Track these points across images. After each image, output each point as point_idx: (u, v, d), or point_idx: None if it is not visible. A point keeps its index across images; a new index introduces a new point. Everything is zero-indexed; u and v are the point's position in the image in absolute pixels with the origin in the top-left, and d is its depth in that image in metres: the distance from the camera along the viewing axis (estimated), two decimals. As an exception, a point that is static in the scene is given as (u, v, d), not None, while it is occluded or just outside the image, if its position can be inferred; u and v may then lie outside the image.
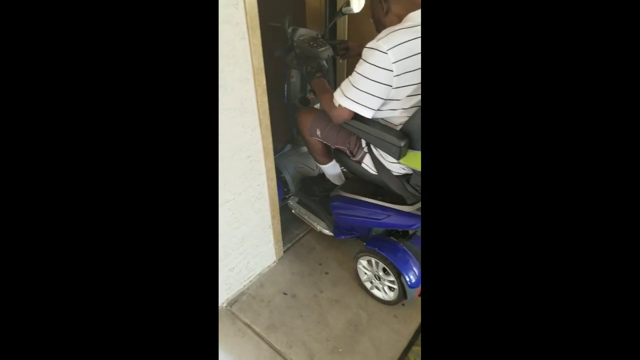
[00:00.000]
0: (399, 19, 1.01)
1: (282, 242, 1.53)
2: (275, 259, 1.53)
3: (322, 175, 1.54)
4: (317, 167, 1.54)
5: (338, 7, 1.34)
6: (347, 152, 1.24)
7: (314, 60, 1.28)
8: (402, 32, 0.94)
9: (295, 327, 1.27)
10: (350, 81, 1.00)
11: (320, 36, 1.35)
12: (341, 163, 1.34)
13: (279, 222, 1.46)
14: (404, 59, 0.93)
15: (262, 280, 1.45)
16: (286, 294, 1.39)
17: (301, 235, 1.66)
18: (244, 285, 1.42)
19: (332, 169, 1.43)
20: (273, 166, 1.30)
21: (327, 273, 1.47)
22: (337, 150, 1.29)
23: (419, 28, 0.95)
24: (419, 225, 1.14)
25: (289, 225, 1.69)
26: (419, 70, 0.96)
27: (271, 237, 1.46)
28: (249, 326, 1.28)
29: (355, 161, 1.23)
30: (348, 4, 1.28)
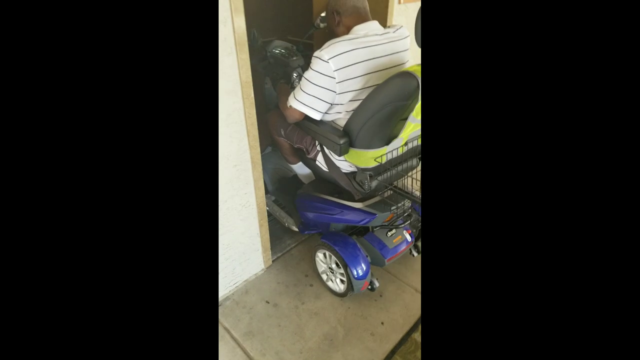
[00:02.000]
0: (348, 30, 1.13)
1: (270, 251, 1.56)
2: (263, 267, 1.55)
3: (296, 175, 1.64)
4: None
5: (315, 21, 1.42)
6: (304, 150, 1.35)
7: (282, 68, 1.39)
8: (343, 43, 1.04)
9: (271, 336, 1.28)
10: (300, 85, 1.12)
11: (295, 48, 1.46)
12: (302, 161, 1.46)
13: (268, 231, 1.48)
14: (344, 67, 1.04)
15: (248, 287, 1.48)
16: (269, 303, 1.41)
17: (293, 245, 1.68)
18: (230, 291, 1.45)
19: (300, 169, 1.55)
20: (261, 176, 1.34)
21: (311, 285, 1.48)
22: (298, 148, 1.40)
23: (360, 40, 1.07)
24: (367, 220, 1.24)
25: (282, 235, 1.72)
26: (360, 77, 1.07)
27: (259, 245, 1.49)
28: (227, 330, 1.31)
29: (310, 158, 1.35)
30: (325, 19, 1.36)
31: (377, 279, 1.37)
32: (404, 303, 1.39)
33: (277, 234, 1.72)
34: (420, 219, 1.43)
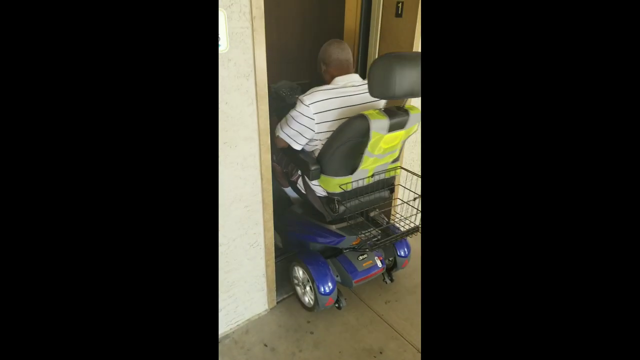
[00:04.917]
0: (332, 78, 1.37)
1: (276, 292, 1.57)
2: (266, 307, 1.56)
3: (289, 198, 1.80)
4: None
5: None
6: (288, 173, 1.55)
7: (280, 104, 1.61)
8: (322, 92, 1.29)
9: (263, 382, 1.26)
10: (286, 120, 1.35)
11: (300, 88, 1.66)
12: (288, 183, 1.65)
13: (274, 271, 1.50)
14: (322, 112, 1.27)
15: (249, 327, 1.48)
16: (267, 346, 1.40)
17: (299, 288, 1.67)
18: (230, 329, 1.46)
19: (291, 192, 1.73)
20: (272, 217, 1.38)
21: (312, 333, 1.46)
22: (286, 172, 1.58)
23: (337, 90, 1.31)
24: (336, 241, 1.44)
25: (290, 277, 1.73)
26: (335, 121, 1.29)
27: (264, 285, 1.50)
28: (222, 371, 1.30)
29: (293, 181, 1.55)
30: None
31: (345, 299, 1.53)
32: (404, 364, 1.33)
33: (285, 275, 1.73)
34: (393, 248, 1.61)
